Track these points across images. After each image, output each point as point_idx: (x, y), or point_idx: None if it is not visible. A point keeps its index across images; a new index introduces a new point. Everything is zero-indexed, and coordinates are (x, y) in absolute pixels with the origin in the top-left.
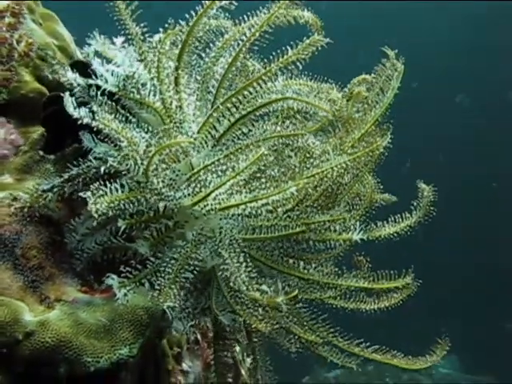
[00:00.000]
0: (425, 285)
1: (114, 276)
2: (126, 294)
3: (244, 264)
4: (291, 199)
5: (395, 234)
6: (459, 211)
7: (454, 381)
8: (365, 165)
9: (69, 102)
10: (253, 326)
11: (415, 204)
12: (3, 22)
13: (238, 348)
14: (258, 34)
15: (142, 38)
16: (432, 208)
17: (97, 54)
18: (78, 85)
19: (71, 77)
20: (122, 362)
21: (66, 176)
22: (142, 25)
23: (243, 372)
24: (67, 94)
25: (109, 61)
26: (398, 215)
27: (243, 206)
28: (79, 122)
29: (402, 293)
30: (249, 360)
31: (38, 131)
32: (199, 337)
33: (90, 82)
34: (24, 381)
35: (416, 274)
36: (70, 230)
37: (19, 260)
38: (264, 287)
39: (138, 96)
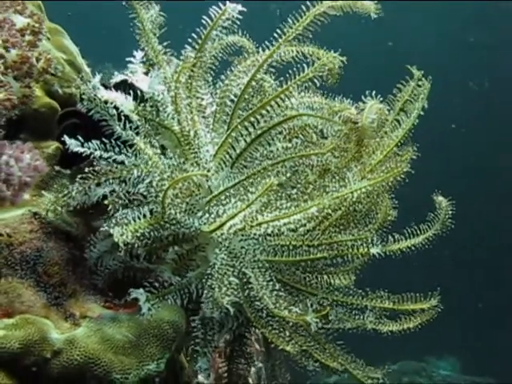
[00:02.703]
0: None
1: (141, 289)
2: (150, 309)
3: (271, 282)
4: (312, 219)
5: (412, 248)
6: None
7: (455, 382)
8: (384, 187)
9: (72, 143)
10: (280, 348)
11: (432, 217)
12: (24, 40)
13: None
14: (274, 57)
15: (165, 59)
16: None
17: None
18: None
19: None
20: (149, 377)
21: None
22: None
23: (250, 381)
24: (66, 137)
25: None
26: (415, 228)
27: (265, 225)
28: (91, 155)
29: (423, 316)
30: (254, 369)
31: (51, 146)
32: None
33: (115, 99)
34: None
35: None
36: (90, 245)
37: (41, 277)
38: (292, 307)
39: (158, 118)
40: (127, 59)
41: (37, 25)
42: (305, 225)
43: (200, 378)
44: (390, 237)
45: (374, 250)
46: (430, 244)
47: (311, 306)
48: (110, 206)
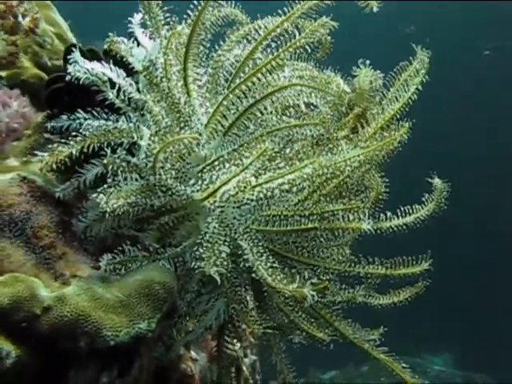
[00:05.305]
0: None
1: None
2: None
3: (265, 254)
4: (307, 180)
5: (404, 226)
6: None
7: (449, 377)
8: (377, 160)
9: (61, 119)
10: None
11: (426, 197)
12: None
13: (237, 345)
14: (276, 32)
15: (163, 23)
16: (444, 202)
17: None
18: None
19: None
20: (141, 336)
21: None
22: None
23: (244, 368)
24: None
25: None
26: (408, 207)
27: (259, 188)
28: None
29: (411, 290)
30: (247, 360)
31: (40, 115)
32: None
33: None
34: (45, 356)
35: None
36: (79, 213)
37: (31, 239)
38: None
39: (155, 80)
40: (129, 18)
41: None
42: (299, 184)
43: (193, 353)
44: (381, 215)
45: (365, 226)
46: (421, 224)
47: (309, 278)
48: (110, 166)
